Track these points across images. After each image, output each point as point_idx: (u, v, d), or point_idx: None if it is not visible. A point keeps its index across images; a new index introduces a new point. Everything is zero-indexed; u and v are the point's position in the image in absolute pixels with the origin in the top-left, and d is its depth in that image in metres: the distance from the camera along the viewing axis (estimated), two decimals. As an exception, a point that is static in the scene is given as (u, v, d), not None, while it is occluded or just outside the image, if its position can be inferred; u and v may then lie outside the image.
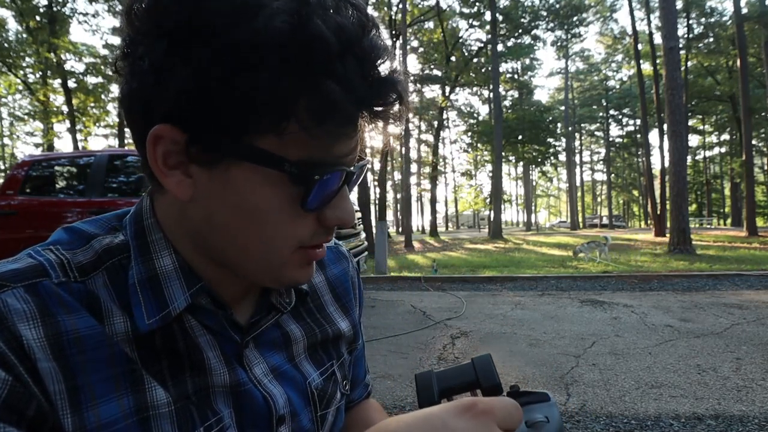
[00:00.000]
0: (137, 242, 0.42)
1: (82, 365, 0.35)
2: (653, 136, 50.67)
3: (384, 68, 0.36)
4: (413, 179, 45.22)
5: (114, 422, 0.36)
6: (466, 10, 27.02)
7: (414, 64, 33.19)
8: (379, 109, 0.37)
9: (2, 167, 34.57)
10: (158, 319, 0.39)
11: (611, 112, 45.20)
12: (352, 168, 0.40)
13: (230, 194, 0.37)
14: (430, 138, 41.77)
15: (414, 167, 43.82)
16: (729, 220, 39.23)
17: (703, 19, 25.74)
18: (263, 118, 0.34)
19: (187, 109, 0.35)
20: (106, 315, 0.38)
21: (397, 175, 46.56)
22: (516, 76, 36.20)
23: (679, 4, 22.04)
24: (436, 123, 31.92)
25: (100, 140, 35.26)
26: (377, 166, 20.43)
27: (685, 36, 24.85)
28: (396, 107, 0.38)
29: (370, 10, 0.37)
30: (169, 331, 0.41)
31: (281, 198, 0.37)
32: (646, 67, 24.29)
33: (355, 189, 0.53)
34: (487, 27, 24.82)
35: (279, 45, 0.32)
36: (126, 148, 18.65)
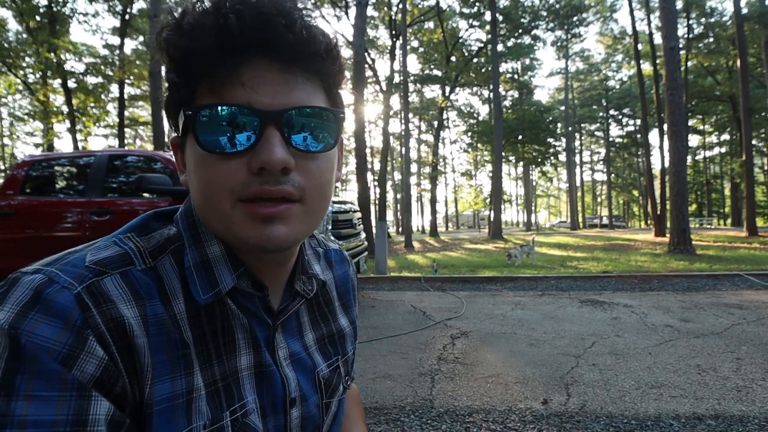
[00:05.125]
0: (190, 233, 0.49)
1: (156, 346, 0.42)
2: (653, 136, 50.73)
3: (236, 1, 0.40)
4: (413, 179, 45.24)
5: (167, 400, 0.41)
6: (466, 10, 27.02)
7: (414, 64, 33.26)
8: (245, 38, 0.40)
9: (2, 167, 34.56)
10: (211, 295, 0.46)
11: (611, 112, 45.14)
12: (254, 106, 0.41)
13: (189, 166, 0.46)
14: (430, 138, 41.81)
15: (414, 167, 43.84)
16: (729, 220, 39.24)
17: (703, 19, 25.71)
18: (177, 94, 0.43)
19: (167, 112, 0.46)
20: (172, 298, 0.45)
21: (397, 175, 46.58)
22: (516, 76, 36.17)
23: (679, 4, 22.05)
24: (436, 123, 31.94)
25: (100, 140, 35.29)
26: (377, 166, 20.42)
27: (685, 36, 24.83)
28: (289, 41, 0.41)
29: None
30: (211, 314, 0.47)
31: (197, 148, 0.43)
32: (646, 67, 24.27)
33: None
34: (487, 27, 24.80)
35: (168, 32, 0.41)
36: (126, 148, 18.64)
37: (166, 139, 7.74)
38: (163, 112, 0.48)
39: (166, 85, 0.45)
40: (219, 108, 0.41)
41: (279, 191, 0.42)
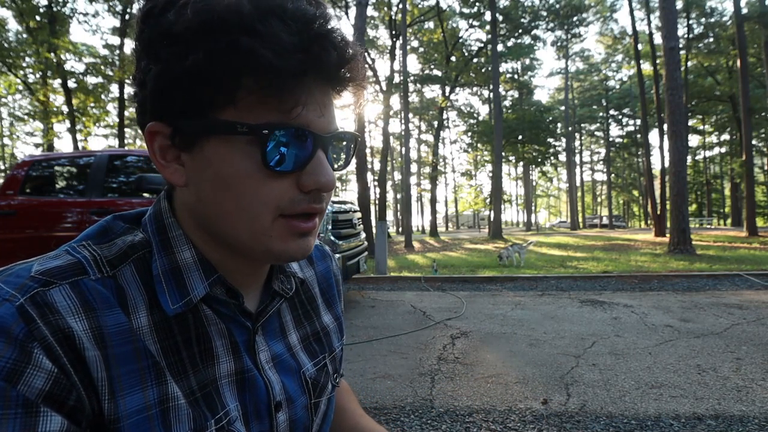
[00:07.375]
0: (159, 238, 0.46)
1: (115, 358, 0.40)
2: (653, 136, 50.73)
3: (318, 28, 0.39)
4: (413, 179, 45.23)
5: (139, 411, 0.40)
6: (466, 10, 27.03)
7: (414, 64, 33.27)
8: (325, 68, 0.40)
9: (2, 167, 34.57)
10: (181, 304, 0.44)
11: (611, 112, 45.18)
12: (311, 129, 0.42)
13: (207, 168, 0.42)
14: (430, 138, 41.81)
15: (414, 167, 43.84)
16: (729, 220, 39.23)
17: (703, 19, 25.73)
18: (212, 93, 0.39)
19: (162, 102, 0.41)
20: (132, 310, 0.42)
21: (397, 175, 46.57)
22: (516, 76, 36.18)
23: (679, 4, 22.05)
24: (436, 123, 31.94)
25: (100, 140, 35.32)
26: (377, 166, 20.43)
27: (685, 36, 24.85)
28: (349, 72, 0.42)
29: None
30: (184, 322, 0.45)
31: (248, 162, 0.41)
32: (646, 67, 24.27)
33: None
34: (487, 27, 24.80)
35: (199, 30, 0.38)
36: (126, 148, 18.64)
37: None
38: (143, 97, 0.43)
39: (163, 69, 0.40)
40: (291, 129, 0.41)
41: (321, 208, 0.45)
